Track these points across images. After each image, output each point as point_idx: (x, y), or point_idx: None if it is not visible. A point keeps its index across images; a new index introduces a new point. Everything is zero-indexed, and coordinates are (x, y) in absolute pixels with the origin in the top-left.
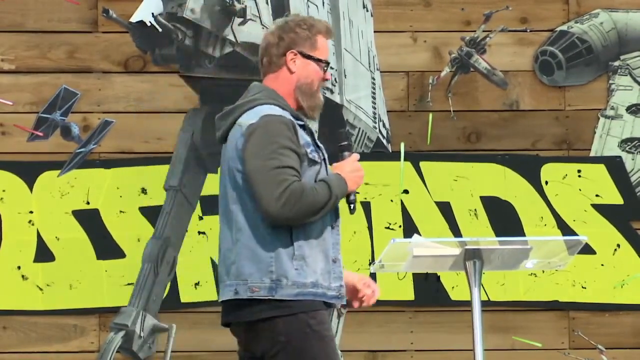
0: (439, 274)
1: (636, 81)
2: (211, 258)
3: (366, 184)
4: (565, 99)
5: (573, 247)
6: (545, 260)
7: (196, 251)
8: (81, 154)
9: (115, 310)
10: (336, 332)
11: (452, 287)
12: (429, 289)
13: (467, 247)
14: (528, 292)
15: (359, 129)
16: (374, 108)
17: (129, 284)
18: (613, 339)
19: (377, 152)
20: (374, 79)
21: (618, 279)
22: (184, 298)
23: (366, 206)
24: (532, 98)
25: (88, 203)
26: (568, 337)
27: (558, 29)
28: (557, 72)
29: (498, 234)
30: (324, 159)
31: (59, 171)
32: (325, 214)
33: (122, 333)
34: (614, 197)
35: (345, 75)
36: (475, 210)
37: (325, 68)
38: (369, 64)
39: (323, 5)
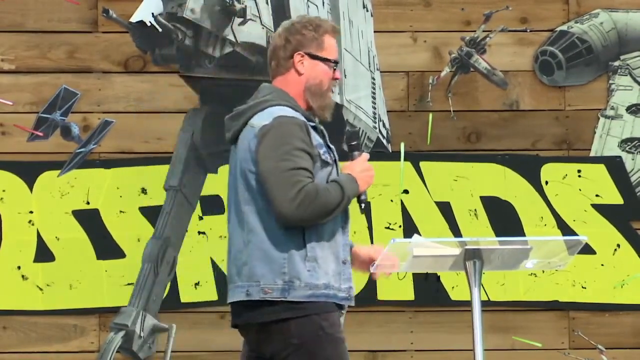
0: (439, 274)
1: (636, 81)
2: (211, 258)
3: None
4: (565, 99)
5: (573, 247)
6: (545, 260)
7: (196, 251)
8: (81, 154)
9: (115, 310)
10: None
11: (452, 287)
12: (429, 289)
13: (467, 247)
14: (528, 292)
15: (359, 129)
16: (374, 108)
17: (129, 284)
18: (613, 339)
19: (377, 152)
20: (374, 79)
21: (618, 279)
22: (184, 298)
23: (366, 206)
24: (532, 98)
25: (88, 203)
26: (568, 337)
27: (558, 29)
28: (557, 72)
29: (498, 234)
30: (335, 161)
31: (59, 171)
32: (338, 214)
33: (122, 333)
34: (614, 197)
35: (345, 75)
36: (475, 210)
37: (335, 67)
38: (369, 64)
39: (323, 5)
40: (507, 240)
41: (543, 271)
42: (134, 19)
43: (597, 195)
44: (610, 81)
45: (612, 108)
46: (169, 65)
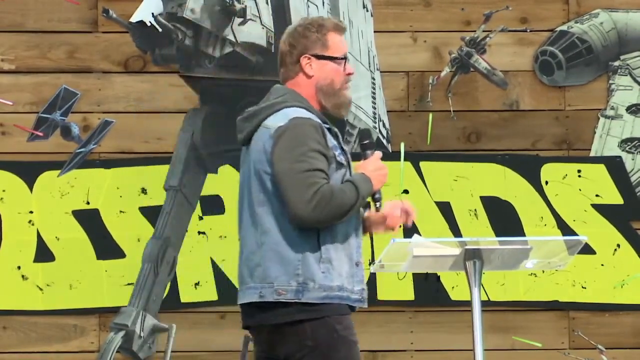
0: (439, 274)
1: (636, 81)
2: (211, 258)
3: None
4: (565, 99)
5: (573, 247)
6: (545, 260)
7: (196, 251)
8: (81, 154)
9: (115, 310)
10: None
11: (452, 287)
12: (429, 289)
13: (467, 247)
14: (528, 292)
15: (359, 129)
16: (374, 108)
17: (129, 284)
18: (613, 339)
19: None
20: (374, 79)
21: (618, 279)
22: (184, 298)
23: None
24: (532, 98)
25: (88, 203)
26: (568, 337)
27: (558, 29)
28: (557, 72)
29: (498, 234)
30: (349, 162)
31: (59, 171)
32: (353, 214)
33: (122, 333)
34: (614, 197)
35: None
36: (475, 210)
37: (344, 63)
38: (369, 64)
39: (323, 5)
40: (507, 240)
41: (543, 271)
42: (134, 19)
43: (597, 195)
44: (610, 81)
45: (612, 108)
46: (169, 65)
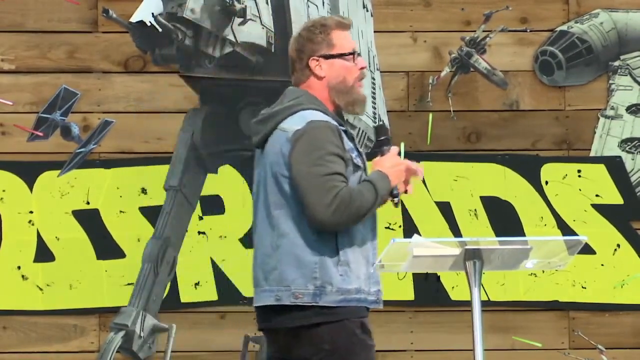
0: (439, 274)
1: (636, 81)
2: (211, 258)
3: None
4: (565, 99)
5: (573, 247)
6: (545, 260)
7: (196, 251)
8: (81, 154)
9: (115, 310)
10: None
11: (452, 287)
12: (429, 289)
13: (467, 247)
14: (528, 292)
15: (359, 129)
16: (374, 108)
17: (129, 284)
18: (613, 339)
19: (377, 152)
20: (374, 79)
21: (618, 279)
22: (184, 298)
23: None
24: (532, 98)
25: (88, 203)
26: (568, 337)
27: (558, 29)
28: (557, 72)
29: (498, 234)
30: (364, 164)
31: (59, 171)
32: (372, 214)
33: (122, 333)
34: (614, 197)
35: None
36: (475, 210)
37: (354, 58)
38: (369, 64)
39: (323, 5)
40: (507, 240)
41: (543, 271)
42: (134, 19)
43: (597, 195)
44: (610, 81)
45: (612, 108)
46: (169, 65)
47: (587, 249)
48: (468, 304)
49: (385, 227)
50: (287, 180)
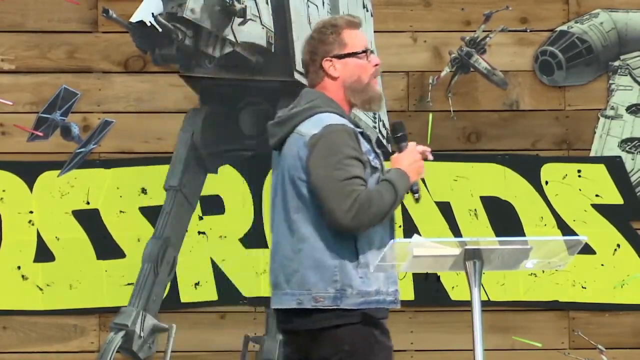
0: (439, 274)
1: (636, 81)
2: (211, 258)
3: None
4: (565, 99)
5: (573, 247)
6: (545, 260)
7: (196, 251)
8: (81, 154)
9: (115, 310)
10: None
11: (452, 287)
12: (429, 289)
13: (467, 247)
14: (528, 292)
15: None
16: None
17: (129, 284)
18: (613, 339)
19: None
20: None
21: (618, 279)
22: (184, 298)
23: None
24: (532, 98)
25: (88, 203)
26: (568, 337)
27: (558, 29)
28: (557, 72)
29: (498, 234)
30: (382, 165)
31: (59, 171)
32: (392, 213)
33: (122, 333)
34: (614, 197)
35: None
36: (475, 210)
37: (367, 56)
38: None
39: (323, 5)
40: (507, 240)
41: (543, 271)
42: (134, 19)
43: (597, 195)
44: (610, 81)
45: (612, 108)
46: (169, 65)
47: (587, 249)
48: (468, 304)
49: None
50: (305, 185)
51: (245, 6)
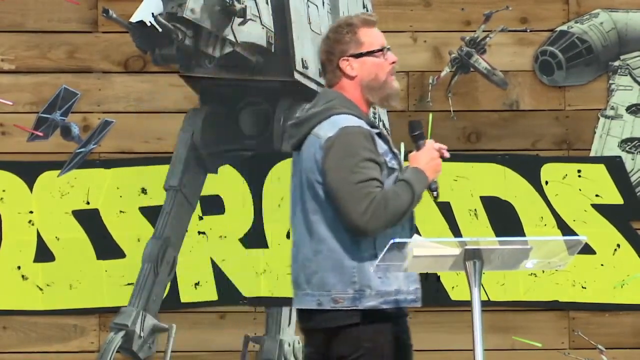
0: (439, 274)
1: (636, 81)
2: (211, 258)
3: None
4: (565, 99)
5: (573, 247)
6: (545, 260)
7: (196, 251)
8: (81, 154)
9: (115, 310)
10: None
11: (452, 287)
12: (429, 289)
13: (467, 247)
14: (528, 292)
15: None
16: (374, 108)
17: (129, 284)
18: (613, 339)
19: None
20: None
21: (618, 279)
22: (184, 298)
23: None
24: (532, 98)
25: (88, 203)
26: (568, 337)
27: (558, 29)
28: (557, 72)
29: (498, 234)
30: (400, 164)
31: (59, 171)
32: (410, 213)
33: (122, 333)
34: (614, 197)
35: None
36: (475, 210)
37: (384, 54)
38: None
39: (323, 5)
40: (507, 240)
41: (543, 271)
42: (134, 19)
43: (597, 195)
44: (610, 81)
45: (612, 108)
46: (169, 65)
47: (587, 249)
48: (468, 304)
49: None
50: (322, 187)
51: (245, 6)
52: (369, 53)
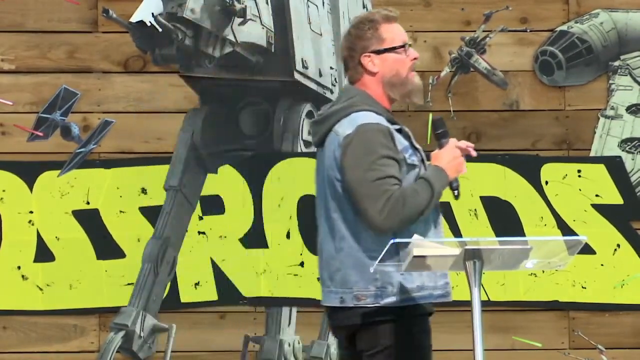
0: None
1: (636, 81)
2: (211, 258)
3: None
4: (565, 99)
5: (573, 247)
6: (545, 260)
7: (196, 251)
8: (81, 154)
9: (115, 310)
10: None
11: (452, 287)
12: None
13: (467, 247)
14: (528, 292)
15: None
16: None
17: (129, 284)
18: (613, 339)
19: None
20: None
21: (618, 279)
22: (184, 298)
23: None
24: (532, 98)
25: (88, 203)
26: (568, 337)
27: (558, 29)
28: (557, 72)
29: (498, 234)
30: (422, 160)
31: (59, 171)
32: (430, 211)
33: (122, 333)
34: (614, 197)
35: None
36: (475, 210)
37: (405, 50)
38: None
39: (323, 5)
40: (507, 240)
41: (543, 271)
42: (134, 19)
43: (597, 195)
44: (610, 81)
45: (612, 108)
46: (169, 65)
47: (587, 249)
48: (468, 304)
49: None
50: (341, 184)
51: (245, 6)
52: (391, 49)
